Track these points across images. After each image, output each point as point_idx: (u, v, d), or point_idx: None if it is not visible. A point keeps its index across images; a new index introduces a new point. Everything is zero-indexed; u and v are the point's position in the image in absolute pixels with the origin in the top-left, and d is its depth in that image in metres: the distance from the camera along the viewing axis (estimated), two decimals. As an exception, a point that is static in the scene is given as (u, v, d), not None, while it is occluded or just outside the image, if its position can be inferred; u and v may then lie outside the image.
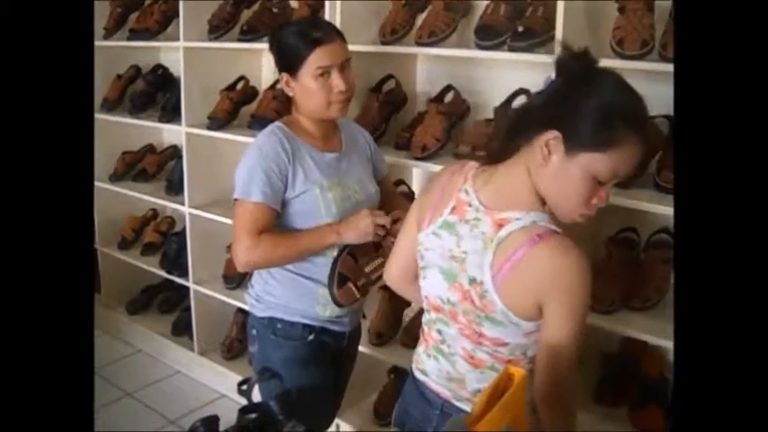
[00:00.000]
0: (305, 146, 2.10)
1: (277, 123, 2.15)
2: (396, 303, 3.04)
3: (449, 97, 2.88)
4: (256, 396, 1.90)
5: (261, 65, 3.60)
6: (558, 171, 1.49)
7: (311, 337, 2.17)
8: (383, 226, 2.12)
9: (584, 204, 1.52)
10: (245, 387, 1.89)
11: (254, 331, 2.23)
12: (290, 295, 2.16)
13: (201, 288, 3.73)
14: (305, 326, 2.17)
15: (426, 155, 2.67)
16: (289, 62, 2.07)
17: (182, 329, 4.01)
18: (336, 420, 3.12)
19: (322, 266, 2.14)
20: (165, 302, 4.31)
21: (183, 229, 3.77)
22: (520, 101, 2.65)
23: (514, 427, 1.36)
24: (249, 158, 2.07)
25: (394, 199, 2.45)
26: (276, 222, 2.09)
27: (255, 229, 2.04)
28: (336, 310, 2.19)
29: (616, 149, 1.45)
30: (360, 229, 2.08)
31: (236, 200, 2.09)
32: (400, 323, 3.07)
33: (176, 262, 3.88)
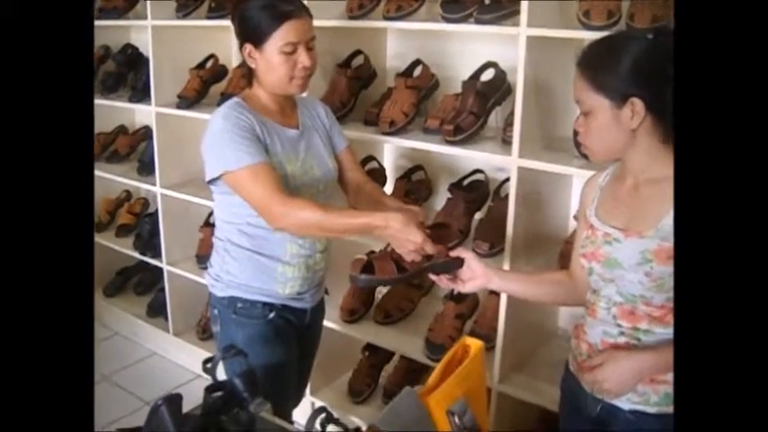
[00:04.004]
0: (265, 121, 2.07)
1: (235, 99, 2.10)
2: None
3: (417, 72, 2.86)
4: (222, 374, 1.88)
5: (230, 42, 3.54)
6: None
7: (272, 315, 2.15)
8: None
9: None
10: (209, 365, 1.88)
11: (216, 311, 2.21)
12: (249, 274, 2.13)
13: (175, 269, 3.72)
14: (265, 304, 2.15)
15: (395, 130, 2.65)
16: (254, 33, 2.02)
17: (157, 311, 4.01)
18: (311, 398, 3.12)
19: (278, 243, 2.11)
20: (141, 284, 4.30)
21: (157, 211, 3.74)
22: (488, 74, 2.65)
23: (472, 400, 1.35)
24: (216, 131, 2.00)
25: (366, 187, 2.31)
26: (235, 204, 2.04)
27: (277, 186, 1.93)
28: (296, 287, 2.17)
29: None
30: (401, 240, 1.87)
31: (217, 178, 2.02)
32: (373, 300, 3.06)
33: (150, 243, 3.85)
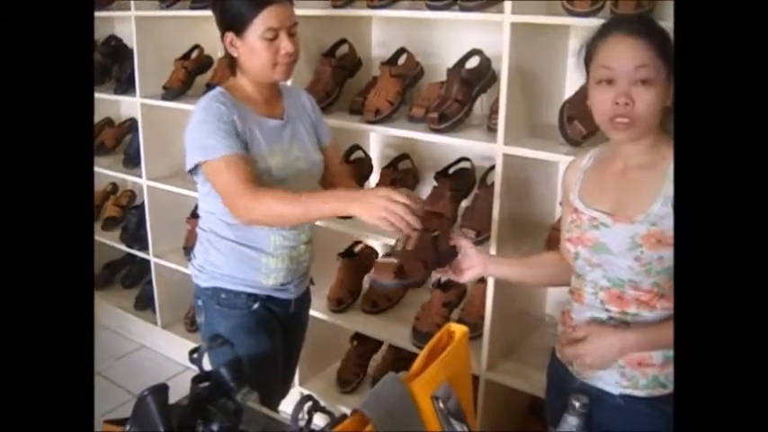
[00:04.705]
0: (248, 111, 2.06)
1: (219, 89, 2.09)
2: (355, 270, 3.03)
3: (402, 60, 2.85)
4: (208, 365, 1.88)
5: (215, 33, 3.47)
6: None
7: (256, 306, 2.14)
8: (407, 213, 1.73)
9: None
10: (195, 356, 1.87)
11: (200, 302, 2.20)
12: (232, 265, 2.13)
13: (162, 261, 3.71)
14: (249, 295, 2.14)
15: (380, 118, 2.65)
16: (235, 21, 2.00)
17: (144, 303, 4.00)
18: (299, 388, 3.12)
19: (262, 235, 2.10)
20: (128, 277, 4.28)
21: (143, 203, 3.73)
22: (473, 61, 2.64)
23: (456, 385, 1.35)
24: (197, 122, 1.99)
25: (341, 177, 2.32)
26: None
27: (246, 178, 1.90)
28: (280, 279, 2.17)
29: None
30: (368, 205, 1.73)
31: (196, 166, 2.01)
32: (360, 290, 3.06)
33: (136, 236, 3.84)
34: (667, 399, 1.68)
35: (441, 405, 1.29)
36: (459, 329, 1.41)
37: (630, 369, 1.68)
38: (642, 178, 1.63)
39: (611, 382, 1.70)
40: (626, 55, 1.55)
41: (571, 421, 1.65)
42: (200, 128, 1.98)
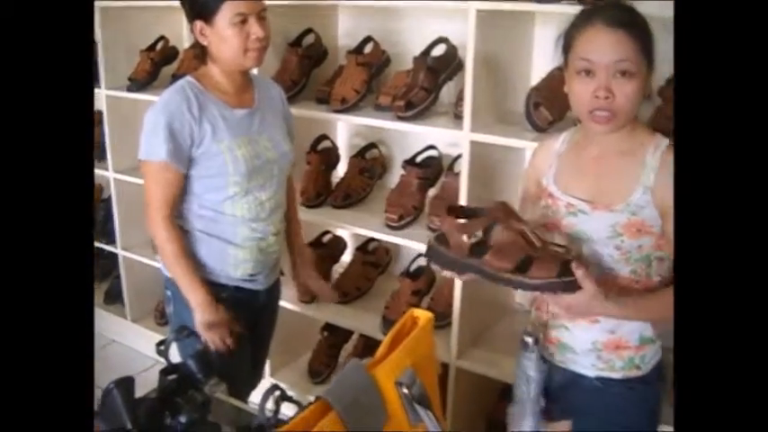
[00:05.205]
0: (215, 101, 2.04)
1: (187, 78, 2.08)
2: (324, 260, 3.02)
3: (368, 49, 2.84)
4: (176, 357, 1.86)
5: (181, 23, 3.48)
6: None
7: (224, 296, 2.13)
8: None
9: None
10: (162, 348, 1.86)
11: (169, 292, 2.19)
12: (201, 255, 2.12)
13: (131, 254, 3.68)
14: (217, 285, 2.13)
15: (346, 107, 2.64)
16: (204, 9, 1.99)
17: (114, 297, 3.96)
18: (270, 379, 3.10)
19: (229, 226, 2.10)
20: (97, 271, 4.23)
21: (110, 196, 3.69)
22: (439, 49, 2.64)
23: (421, 370, 1.35)
24: (153, 115, 2.00)
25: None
26: (186, 185, 2.05)
27: (165, 202, 2.03)
28: (249, 270, 2.16)
29: None
30: (197, 313, 2.07)
31: (141, 161, 2.04)
32: (329, 280, 3.05)
33: (104, 229, 3.80)
34: (642, 380, 1.72)
35: (405, 391, 1.28)
36: (423, 315, 1.41)
37: (607, 353, 1.70)
38: (621, 166, 1.63)
39: (587, 365, 1.72)
40: (606, 47, 1.53)
41: (527, 360, 1.70)
42: (152, 121, 2.00)
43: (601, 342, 1.70)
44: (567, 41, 1.61)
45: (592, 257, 1.64)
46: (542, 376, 1.72)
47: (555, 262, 1.54)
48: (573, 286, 1.52)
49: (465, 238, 1.60)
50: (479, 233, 1.63)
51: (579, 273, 1.50)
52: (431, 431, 1.32)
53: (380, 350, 1.32)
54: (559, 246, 1.60)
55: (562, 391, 1.77)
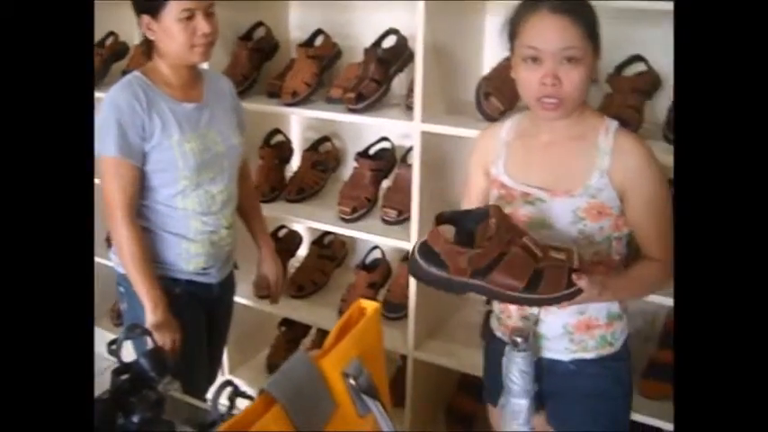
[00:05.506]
0: (163, 96, 2.02)
1: (134, 73, 2.06)
2: (280, 254, 3.00)
3: (319, 41, 2.83)
4: (131, 355, 1.84)
5: (131, 19, 3.41)
6: None
7: (177, 291, 2.12)
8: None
9: None
10: (114, 347, 1.83)
11: (122, 288, 2.17)
12: (155, 250, 2.10)
13: (85, 254, 3.62)
14: (170, 279, 2.11)
15: (297, 100, 2.62)
16: (150, 3, 1.97)
17: (69, 299, 3.89)
18: (229, 377, 3.08)
19: (181, 220, 2.08)
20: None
21: (63, 195, 3.63)
22: (390, 41, 2.63)
23: (368, 361, 1.34)
24: (102, 112, 1.97)
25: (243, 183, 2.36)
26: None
27: (123, 199, 2.00)
28: (201, 263, 2.15)
29: None
30: (149, 314, 2.04)
31: (96, 159, 2.00)
32: (286, 274, 3.03)
33: (58, 229, 3.74)
34: (614, 357, 1.74)
35: (351, 381, 1.27)
36: (370, 305, 1.40)
37: (579, 334, 1.70)
38: (574, 151, 1.63)
39: (560, 349, 1.73)
40: (552, 34, 1.52)
41: (519, 358, 1.68)
42: (101, 119, 1.97)
43: (571, 324, 1.70)
44: (513, 29, 1.60)
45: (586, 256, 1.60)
46: (533, 368, 1.70)
47: (561, 273, 1.48)
48: (577, 293, 1.49)
49: (466, 262, 1.47)
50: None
51: (583, 283, 1.47)
52: (379, 421, 1.32)
53: (327, 341, 1.31)
54: (555, 249, 1.52)
55: (537, 379, 1.75)
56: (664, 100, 2.29)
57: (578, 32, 1.51)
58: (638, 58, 2.31)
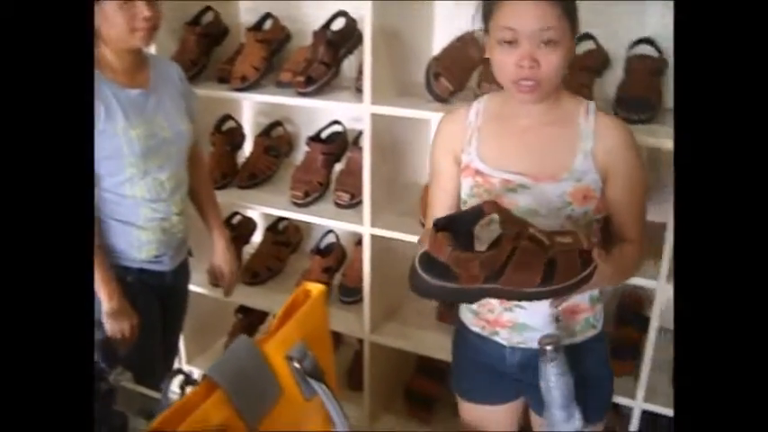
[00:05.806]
0: (106, 82, 1.99)
1: None
2: (234, 241, 2.98)
3: (268, 25, 2.80)
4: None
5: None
6: None
7: (130, 279, 2.09)
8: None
9: None
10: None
11: (74, 278, 2.14)
12: (106, 239, 2.07)
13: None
14: (122, 268, 2.09)
15: (246, 85, 2.59)
16: None
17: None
18: (187, 367, 3.06)
19: (131, 208, 2.06)
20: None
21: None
22: (339, 23, 2.61)
23: (314, 344, 1.34)
24: None
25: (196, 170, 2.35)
26: None
27: None
28: (153, 251, 2.13)
29: None
30: (105, 303, 2.01)
31: None
32: (240, 263, 3.01)
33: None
34: (597, 337, 1.74)
35: (296, 365, 1.27)
36: (315, 288, 1.39)
37: (565, 320, 1.69)
38: (556, 135, 1.59)
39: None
40: (530, 16, 1.44)
41: (550, 369, 1.59)
42: None
43: (558, 311, 1.67)
44: (488, 8, 1.53)
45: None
46: (569, 370, 1.62)
47: (574, 257, 1.39)
48: (591, 275, 1.41)
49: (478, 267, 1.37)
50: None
51: (602, 258, 1.41)
52: (326, 404, 1.32)
53: (272, 325, 1.31)
54: (559, 234, 1.44)
55: (522, 370, 1.73)
56: (612, 77, 2.30)
57: (556, 13, 1.45)
58: (587, 36, 2.31)
